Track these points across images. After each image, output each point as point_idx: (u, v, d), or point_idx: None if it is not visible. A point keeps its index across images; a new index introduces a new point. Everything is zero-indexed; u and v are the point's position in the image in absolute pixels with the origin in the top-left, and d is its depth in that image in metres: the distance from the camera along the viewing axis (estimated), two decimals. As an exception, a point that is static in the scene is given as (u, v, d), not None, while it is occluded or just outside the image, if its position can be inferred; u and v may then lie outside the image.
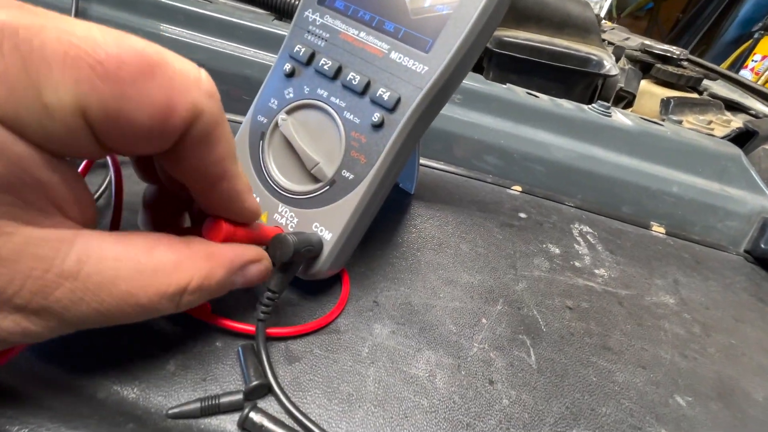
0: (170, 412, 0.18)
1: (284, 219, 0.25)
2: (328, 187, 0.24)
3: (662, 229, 0.41)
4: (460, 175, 0.41)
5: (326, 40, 0.25)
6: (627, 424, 0.23)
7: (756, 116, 0.61)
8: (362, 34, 0.24)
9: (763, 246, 0.41)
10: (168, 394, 0.19)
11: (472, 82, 0.45)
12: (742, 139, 0.52)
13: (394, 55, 0.23)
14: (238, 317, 0.22)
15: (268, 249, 0.22)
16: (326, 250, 0.24)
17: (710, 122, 0.54)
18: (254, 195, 0.25)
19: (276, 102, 0.26)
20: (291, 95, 0.25)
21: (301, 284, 0.26)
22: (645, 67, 0.72)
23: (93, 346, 0.20)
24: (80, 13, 0.44)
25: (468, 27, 0.22)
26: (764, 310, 0.35)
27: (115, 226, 0.25)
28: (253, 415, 0.18)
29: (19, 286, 0.14)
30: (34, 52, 0.13)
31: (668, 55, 0.71)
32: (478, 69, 0.58)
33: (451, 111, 0.43)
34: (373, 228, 0.26)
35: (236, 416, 0.19)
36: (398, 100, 0.23)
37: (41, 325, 0.15)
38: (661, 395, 0.25)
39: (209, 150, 0.17)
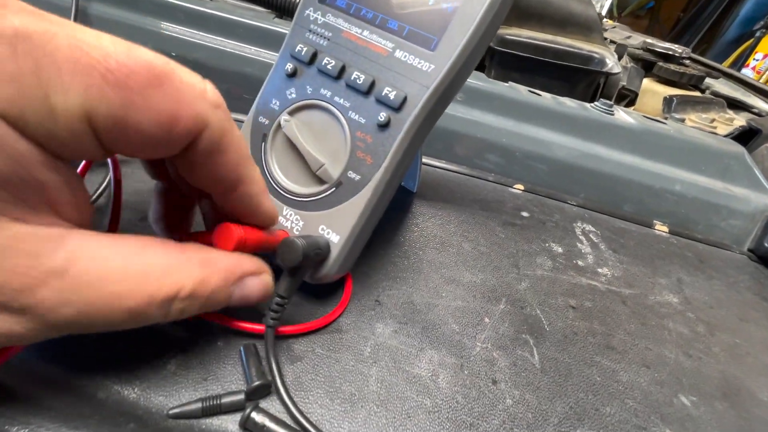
0: (171, 412, 0.18)
1: (289, 222, 0.24)
2: (333, 188, 0.24)
3: (665, 228, 0.41)
4: (462, 174, 0.41)
5: (329, 39, 0.25)
6: (631, 424, 0.23)
7: (759, 114, 0.61)
8: (366, 33, 0.24)
9: (766, 245, 0.40)
10: (169, 394, 0.19)
11: (474, 80, 0.45)
12: (746, 137, 0.52)
13: (399, 54, 0.23)
14: (241, 316, 0.22)
15: (277, 254, 0.21)
16: (334, 253, 0.23)
17: (713, 120, 0.54)
18: None
19: (278, 103, 0.25)
20: (293, 96, 0.25)
21: (302, 284, 0.26)
22: (647, 65, 0.72)
23: (94, 345, 0.20)
24: (81, 12, 0.44)
25: (474, 24, 0.22)
26: (768, 309, 0.34)
27: (113, 225, 0.24)
28: (254, 415, 0.18)
29: (3, 282, 0.14)
30: (46, 56, 0.13)
31: (670, 53, 0.71)
32: (480, 67, 0.57)
33: (453, 109, 0.43)
34: (375, 227, 0.26)
35: (238, 416, 0.19)
36: (404, 99, 0.23)
37: (25, 325, 0.14)
38: (666, 395, 0.25)
39: (221, 158, 0.18)
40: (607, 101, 0.46)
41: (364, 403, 0.21)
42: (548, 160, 0.43)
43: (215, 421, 0.18)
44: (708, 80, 0.70)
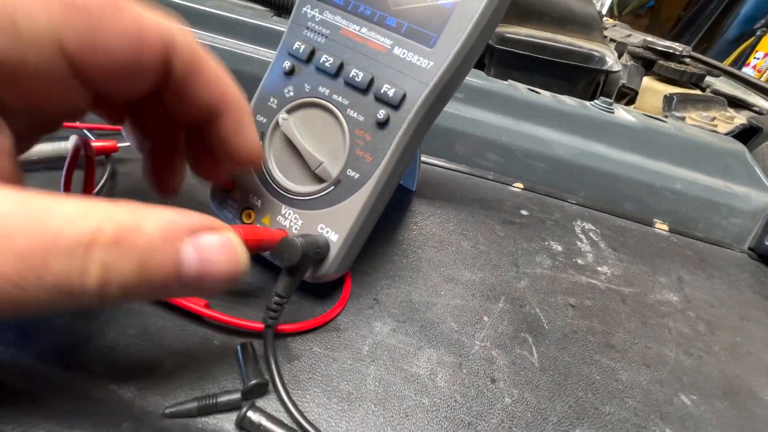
0: (167, 411, 0.18)
1: (288, 221, 0.24)
2: (332, 187, 0.24)
3: (665, 227, 0.41)
4: (462, 173, 0.41)
5: (326, 37, 0.24)
6: (631, 423, 0.23)
7: (759, 113, 0.61)
8: (364, 30, 0.24)
9: (767, 243, 0.40)
10: (165, 393, 0.19)
11: (474, 78, 0.45)
12: (746, 135, 0.52)
13: (397, 51, 0.23)
14: (239, 314, 0.22)
15: (275, 253, 0.21)
16: (333, 251, 0.23)
17: (713, 119, 0.54)
18: (255, 196, 0.25)
19: (275, 101, 0.25)
20: (291, 94, 0.25)
21: (302, 282, 0.25)
22: (647, 63, 0.71)
23: (89, 344, 0.20)
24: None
25: (473, 21, 0.22)
26: (769, 307, 0.34)
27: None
28: (251, 414, 0.18)
29: None
30: None
31: (671, 51, 0.71)
32: (479, 65, 0.57)
33: (452, 108, 0.43)
34: (374, 225, 0.26)
35: (234, 415, 0.18)
36: (404, 97, 0.23)
37: None
38: (666, 394, 0.25)
39: (198, 80, 0.18)
40: (607, 99, 0.46)
41: (361, 402, 0.20)
42: (548, 158, 0.43)
43: (211, 421, 0.18)
44: (708, 78, 0.70)
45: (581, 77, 0.56)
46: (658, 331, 0.29)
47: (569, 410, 0.23)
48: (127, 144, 0.32)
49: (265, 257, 0.25)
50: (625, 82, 0.63)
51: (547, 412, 0.22)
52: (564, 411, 0.22)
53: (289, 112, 0.25)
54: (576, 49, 0.54)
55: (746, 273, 0.38)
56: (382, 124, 0.23)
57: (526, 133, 0.43)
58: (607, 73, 0.56)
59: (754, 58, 2.27)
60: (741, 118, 0.56)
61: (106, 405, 0.18)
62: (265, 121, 0.25)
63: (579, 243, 0.35)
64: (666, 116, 0.54)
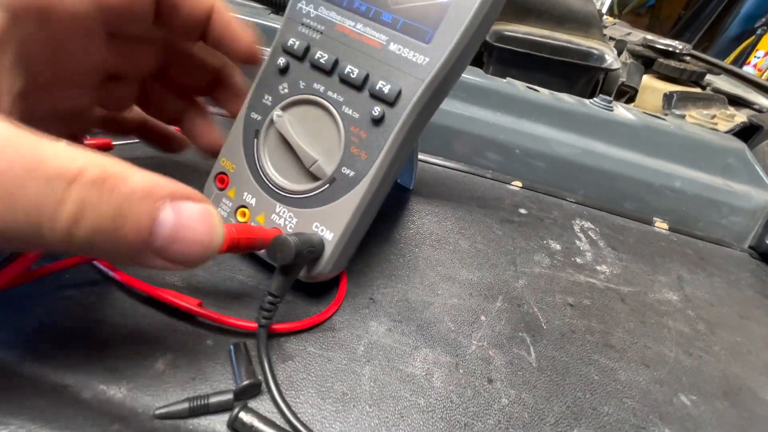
0: (157, 412, 0.18)
1: (282, 219, 0.24)
2: (327, 185, 0.23)
3: (665, 225, 0.41)
4: (460, 171, 0.41)
5: (321, 33, 0.24)
6: (630, 424, 0.22)
7: (760, 111, 0.60)
8: (359, 26, 0.23)
9: (768, 242, 0.40)
10: (156, 393, 0.19)
11: (472, 76, 0.44)
12: (747, 133, 0.51)
13: (393, 47, 0.23)
14: (232, 313, 0.22)
15: (269, 251, 0.21)
16: (328, 250, 0.23)
17: (714, 117, 0.54)
18: (249, 194, 0.25)
19: (270, 98, 0.25)
20: (286, 91, 0.25)
21: (297, 282, 0.25)
22: (647, 61, 0.71)
23: (78, 342, 0.20)
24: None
25: (470, 16, 0.21)
26: (770, 306, 0.34)
27: None
28: (243, 415, 0.18)
29: None
30: None
31: (671, 49, 0.71)
32: (478, 63, 0.57)
33: (450, 106, 0.43)
34: (370, 224, 0.25)
35: (226, 416, 0.18)
36: (399, 93, 0.22)
37: None
38: (665, 394, 0.24)
39: None
40: (607, 97, 0.46)
41: (356, 403, 0.20)
42: (547, 156, 0.42)
43: (203, 422, 0.18)
44: (709, 77, 0.70)
45: (580, 75, 0.56)
46: (658, 330, 0.29)
47: (567, 411, 0.22)
48: (123, 142, 0.32)
49: (260, 256, 0.25)
50: (624, 80, 0.62)
51: (545, 413, 0.22)
52: (562, 411, 0.22)
53: (283, 109, 0.25)
54: (575, 46, 0.54)
55: (746, 272, 0.38)
56: (378, 121, 0.23)
57: (525, 131, 0.43)
58: (607, 70, 0.55)
59: (755, 56, 2.27)
60: (741, 117, 0.55)
61: (96, 406, 0.17)
62: (259, 118, 0.25)
63: (578, 242, 0.35)
64: (666, 114, 0.54)
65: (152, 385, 0.19)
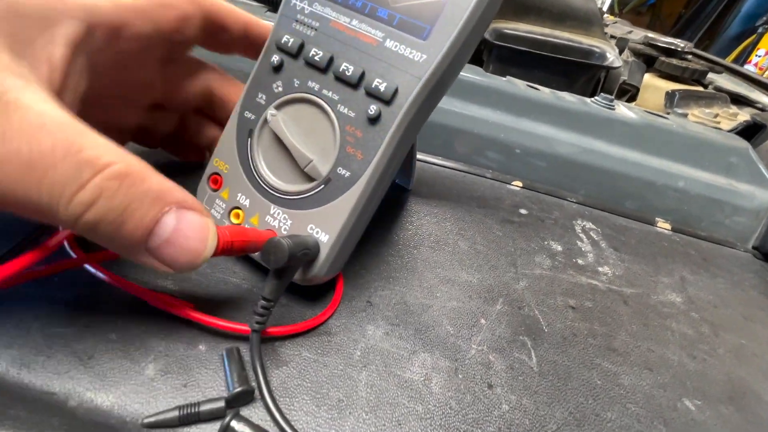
0: (146, 421, 0.17)
1: (277, 221, 0.23)
2: (323, 186, 0.23)
3: (668, 225, 0.40)
4: (459, 171, 0.40)
5: (316, 30, 0.24)
6: (634, 430, 0.22)
7: (762, 109, 0.60)
8: (354, 22, 0.23)
9: (772, 242, 0.39)
10: (146, 401, 0.18)
11: (472, 74, 0.44)
12: (750, 132, 0.51)
13: (389, 44, 0.22)
14: (225, 316, 0.21)
15: (262, 254, 0.20)
16: (323, 253, 0.22)
17: (716, 115, 0.53)
18: (243, 195, 0.24)
19: (264, 97, 0.24)
20: (280, 89, 0.24)
21: (292, 284, 0.25)
22: (648, 60, 0.70)
23: (66, 349, 0.19)
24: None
25: (468, 12, 0.21)
26: (775, 308, 0.33)
27: None
28: (234, 423, 0.17)
29: None
30: None
31: (672, 47, 0.70)
32: (477, 62, 0.56)
33: (449, 104, 0.42)
34: (367, 225, 0.25)
35: (217, 425, 0.18)
36: (395, 91, 0.22)
37: None
38: (669, 399, 0.24)
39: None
40: (608, 96, 0.45)
41: (352, 410, 0.20)
42: (547, 156, 0.42)
43: (193, 430, 0.17)
44: (710, 75, 0.69)
45: (581, 73, 0.55)
46: (661, 333, 0.28)
47: (569, 417, 0.22)
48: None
49: (254, 258, 0.24)
50: (626, 78, 0.62)
51: (546, 419, 0.21)
52: (564, 418, 0.22)
53: (277, 108, 0.24)
54: (576, 44, 0.53)
55: (750, 272, 0.37)
56: (374, 120, 0.22)
57: (525, 130, 0.42)
58: (608, 69, 0.55)
59: (756, 55, 2.26)
60: (744, 115, 0.55)
61: (82, 415, 0.17)
62: (253, 117, 0.25)
63: (579, 242, 0.35)
64: (668, 113, 0.54)
65: (141, 392, 0.18)
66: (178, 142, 0.30)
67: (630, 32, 0.85)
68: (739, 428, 0.23)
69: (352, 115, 0.23)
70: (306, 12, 0.24)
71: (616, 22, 0.99)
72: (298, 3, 0.24)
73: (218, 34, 0.25)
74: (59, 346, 0.19)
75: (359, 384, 0.21)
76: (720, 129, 0.50)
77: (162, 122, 0.28)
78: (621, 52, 0.66)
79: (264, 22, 0.26)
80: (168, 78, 0.25)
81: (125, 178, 0.15)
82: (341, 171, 0.23)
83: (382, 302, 0.25)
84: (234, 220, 0.24)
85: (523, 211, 0.37)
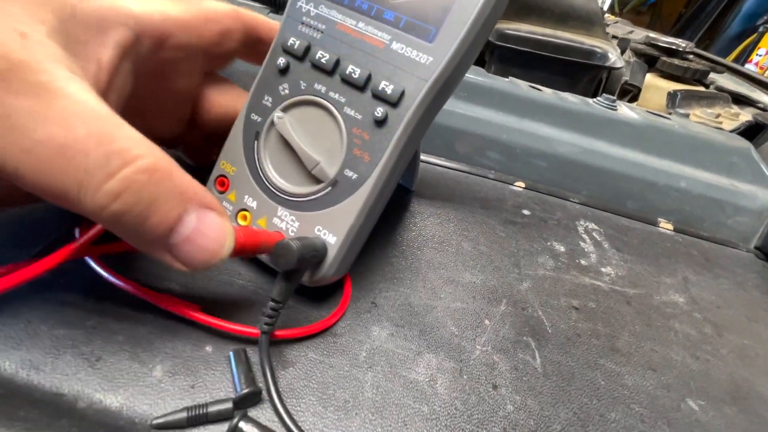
0: (155, 422, 0.17)
1: (284, 223, 0.24)
2: (330, 188, 0.23)
3: (670, 226, 0.40)
4: (462, 171, 0.40)
5: (322, 32, 0.24)
6: (638, 431, 0.22)
7: (764, 109, 0.60)
8: (361, 25, 0.23)
9: (774, 242, 0.39)
10: (154, 402, 0.18)
11: (474, 75, 0.44)
12: (752, 132, 0.51)
13: (395, 46, 0.22)
14: (230, 319, 0.21)
15: (272, 257, 0.20)
16: (331, 254, 0.23)
17: (718, 115, 0.53)
18: (250, 197, 0.24)
19: (270, 99, 0.24)
20: (286, 91, 0.24)
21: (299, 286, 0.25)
22: (650, 60, 0.71)
23: (74, 351, 0.19)
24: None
25: (474, 14, 0.21)
26: (777, 308, 0.34)
27: None
28: (242, 424, 0.17)
29: None
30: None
31: (674, 47, 0.70)
32: (479, 62, 0.56)
33: (452, 105, 0.42)
34: (373, 227, 0.25)
35: (225, 426, 0.18)
36: (402, 94, 0.22)
37: None
38: (673, 399, 0.24)
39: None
40: (610, 96, 0.45)
41: (358, 411, 0.20)
42: (550, 156, 0.42)
43: (201, 431, 0.18)
44: (712, 75, 0.69)
45: (583, 74, 0.55)
46: (664, 333, 0.28)
47: (573, 417, 0.22)
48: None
49: (260, 260, 0.24)
50: (627, 78, 0.62)
51: (551, 420, 0.21)
52: (568, 418, 0.22)
53: (284, 110, 0.24)
54: (578, 45, 0.53)
55: (753, 273, 0.37)
56: (381, 123, 0.22)
57: (528, 131, 0.42)
58: (610, 69, 0.55)
59: (757, 54, 2.26)
60: (746, 115, 0.55)
61: (91, 416, 0.17)
62: (259, 120, 0.25)
63: (582, 243, 0.35)
64: (670, 113, 0.54)
65: (150, 394, 0.18)
66: (197, 152, 0.30)
67: (631, 32, 0.85)
68: (742, 429, 0.24)
69: (359, 117, 0.23)
70: (312, 14, 0.24)
71: (617, 22, 0.99)
72: (303, 5, 0.24)
73: (255, 47, 0.26)
74: (67, 348, 0.19)
75: (365, 385, 0.21)
76: (722, 129, 0.50)
77: (191, 137, 0.28)
78: (623, 52, 0.66)
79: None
80: (203, 93, 0.26)
81: (154, 172, 0.16)
82: (348, 173, 0.23)
83: (387, 303, 0.25)
84: (241, 222, 0.24)
85: (525, 212, 0.37)
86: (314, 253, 0.22)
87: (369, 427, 0.19)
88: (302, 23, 0.24)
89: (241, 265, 0.25)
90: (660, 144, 0.43)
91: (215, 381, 0.19)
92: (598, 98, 0.45)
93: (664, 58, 0.66)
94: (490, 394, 0.22)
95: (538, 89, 0.45)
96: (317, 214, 0.23)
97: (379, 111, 0.22)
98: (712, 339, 0.29)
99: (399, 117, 0.22)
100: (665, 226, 0.40)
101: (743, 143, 0.45)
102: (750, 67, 2.19)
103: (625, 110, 0.45)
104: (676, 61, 0.65)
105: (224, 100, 0.27)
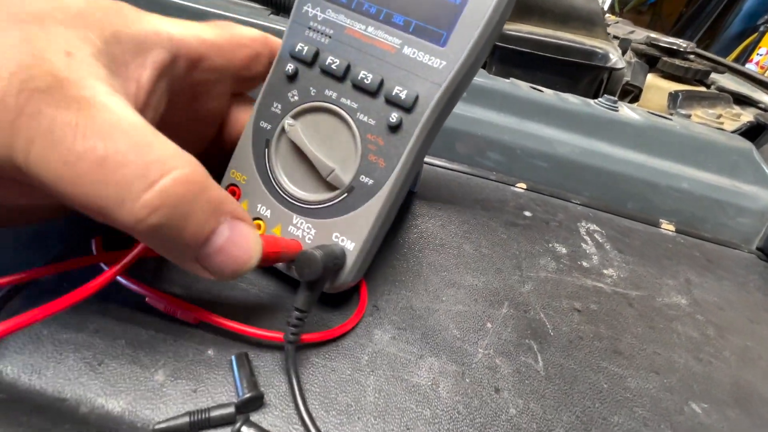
0: (157, 427, 0.17)
1: (300, 231, 0.23)
2: (346, 194, 0.23)
3: (672, 227, 0.40)
4: (463, 173, 0.40)
5: (330, 37, 0.23)
6: (641, 434, 0.22)
7: (766, 110, 0.60)
8: (370, 29, 0.23)
9: (776, 243, 0.39)
10: (156, 407, 0.18)
11: (475, 76, 0.44)
12: (753, 133, 0.51)
13: (407, 51, 0.22)
14: (257, 324, 0.21)
15: (296, 268, 0.20)
16: (350, 260, 0.22)
17: (720, 116, 0.53)
18: (264, 206, 0.24)
19: (279, 106, 0.24)
20: (296, 98, 0.24)
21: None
22: (651, 60, 0.70)
23: (76, 355, 0.19)
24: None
25: (486, 17, 0.21)
26: (780, 310, 0.33)
27: None
28: (245, 429, 0.17)
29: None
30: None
31: (675, 48, 0.70)
32: (480, 64, 0.56)
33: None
34: (387, 230, 0.25)
35: (228, 430, 0.18)
36: (416, 99, 0.22)
37: None
38: (676, 402, 0.24)
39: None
40: (612, 97, 0.45)
41: (361, 415, 0.20)
42: (551, 157, 0.42)
43: (204, 436, 0.18)
44: (713, 75, 0.69)
45: (584, 75, 0.55)
46: (667, 335, 0.28)
47: (576, 421, 0.22)
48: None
49: (277, 268, 0.24)
50: (629, 79, 0.62)
51: (554, 423, 0.21)
52: (571, 422, 0.22)
53: (294, 117, 0.24)
54: (579, 46, 0.53)
55: (755, 274, 0.37)
56: (395, 128, 0.22)
57: (529, 132, 0.42)
58: (611, 70, 0.55)
59: (757, 54, 2.26)
60: (747, 116, 0.55)
61: (93, 421, 0.17)
62: (269, 127, 0.24)
63: (584, 245, 0.35)
64: (671, 114, 0.53)
65: (152, 398, 0.18)
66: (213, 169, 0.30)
67: (632, 32, 0.85)
68: (746, 431, 0.23)
69: (372, 123, 0.22)
70: (319, 19, 0.23)
71: (617, 22, 0.99)
72: (310, 10, 0.24)
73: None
74: (69, 352, 0.19)
75: (367, 389, 0.21)
76: (723, 130, 0.50)
77: (210, 155, 0.28)
78: (624, 52, 0.66)
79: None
80: (230, 113, 0.26)
81: (191, 184, 0.16)
82: (364, 179, 0.23)
83: (389, 306, 0.25)
84: None
85: (527, 214, 0.37)
86: (336, 261, 0.22)
87: (371, 431, 0.19)
88: (309, 28, 0.24)
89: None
90: (661, 145, 0.43)
91: (217, 385, 0.19)
92: (600, 99, 0.45)
93: (665, 59, 0.66)
94: (493, 398, 0.22)
95: (539, 90, 0.45)
96: (334, 221, 0.23)
97: (394, 117, 0.22)
98: (715, 341, 0.29)
99: (414, 122, 0.22)
100: (667, 227, 0.40)
101: (745, 144, 0.45)
102: (751, 67, 2.19)
103: (626, 111, 0.45)
104: (677, 62, 0.65)
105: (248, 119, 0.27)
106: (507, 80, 0.46)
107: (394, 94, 0.22)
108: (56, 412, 0.17)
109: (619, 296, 0.30)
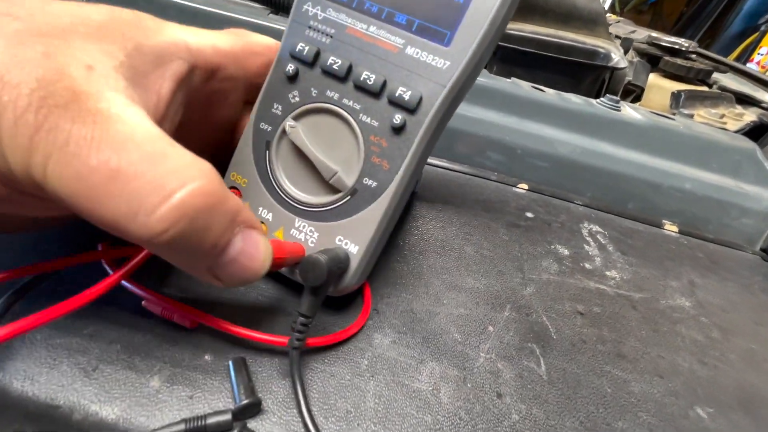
0: (152, 434, 0.17)
1: (303, 234, 0.23)
2: (349, 197, 0.22)
3: (675, 228, 0.40)
4: (464, 173, 0.40)
5: (331, 37, 0.23)
6: (645, 440, 0.21)
7: (768, 109, 0.59)
8: (372, 29, 0.22)
9: (780, 245, 0.39)
10: (151, 414, 0.18)
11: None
12: (757, 132, 0.50)
13: (410, 50, 0.22)
14: (260, 328, 0.21)
15: (300, 273, 0.20)
16: (353, 264, 0.22)
17: (722, 116, 0.53)
18: (265, 209, 0.24)
19: (280, 107, 0.24)
20: (297, 99, 0.23)
21: (298, 289, 0.24)
22: (652, 60, 0.70)
23: (70, 360, 0.19)
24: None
25: (490, 16, 0.20)
26: (785, 312, 0.33)
27: None
28: (242, 437, 0.17)
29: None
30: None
31: (676, 47, 0.69)
32: (481, 63, 0.56)
33: (453, 107, 0.42)
34: (391, 232, 0.24)
35: (224, 438, 0.17)
36: (420, 100, 0.21)
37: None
38: (681, 407, 0.24)
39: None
40: (614, 97, 0.45)
41: (360, 421, 0.19)
42: (553, 158, 0.41)
43: (200, 444, 0.17)
44: (715, 75, 0.69)
45: (586, 74, 0.55)
46: (671, 338, 0.28)
47: (580, 426, 0.21)
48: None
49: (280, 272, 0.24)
50: (631, 78, 0.61)
51: (557, 429, 0.21)
52: (575, 427, 0.21)
53: (295, 118, 0.23)
54: (581, 45, 0.53)
55: (759, 275, 0.37)
56: (399, 130, 0.22)
57: (530, 132, 0.42)
58: (613, 69, 0.54)
59: (758, 53, 2.25)
60: (750, 115, 0.54)
61: (87, 428, 0.17)
62: (269, 129, 0.24)
63: (586, 246, 0.34)
64: (674, 114, 0.53)
65: (147, 405, 0.18)
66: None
67: (633, 32, 0.84)
68: (751, 436, 0.23)
69: (376, 124, 0.22)
70: (319, 18, 0.23)
71: (618, 22, 0.99)
72: (310, 9, 0.23)
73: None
74: (63, 357, 0.19)
75: (367, 394, 0.20)
76: (726, 130, 0.50)
77: (224, 164, 0.28)
78: (626, 52, 0.66)
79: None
80: (242, 120, 0.26)
81: (208, 196, 0.15)
82: (368, 181, 0.22)
83: (389, 310, 0.25)
84: None
85: (529, 215, 0.36)
86: (340, 265, 0.21)
87: (371, 437, 0.19)
88: (309, 27, 0.23)
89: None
90: (664, 145, 0.43)
91: (214, 391, 0.19)
92: (602, 99, 0.45)
93: (667, 58, 0.66)
94: (495, 403, 0.21)
95: (541, 90, 0.45)
96: (337, 224, 0.22)
97: (397, 118, 0.22)
98: (720, 344, 0.28)
99: (418, 123, 0.21)
100: (670, 228, 0.40)
101: (748, 144, 0.45)
102: (752, 66, 2.19)
103: (628, 111, 0.45)
104: (680, 61, 0.64)
105: None
106: (508, 80, 0.45)
107: (397, 94, 0.21)
108: (49, 420, 0.17)
109: (623, 298, 0.30)
